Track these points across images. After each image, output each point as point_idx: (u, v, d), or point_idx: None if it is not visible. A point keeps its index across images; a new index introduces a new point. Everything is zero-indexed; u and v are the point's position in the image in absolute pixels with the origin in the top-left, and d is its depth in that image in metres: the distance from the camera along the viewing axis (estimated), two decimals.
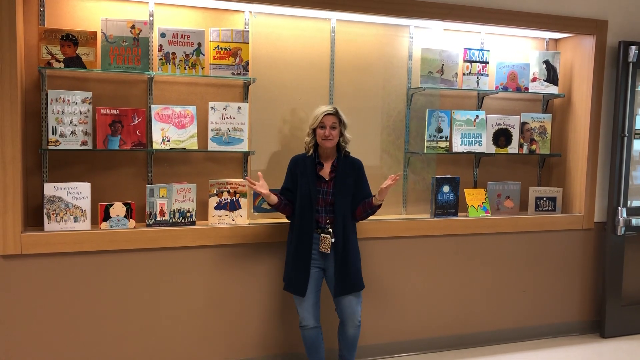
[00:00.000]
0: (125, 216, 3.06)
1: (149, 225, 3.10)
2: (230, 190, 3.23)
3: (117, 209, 3.05)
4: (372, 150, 3.57)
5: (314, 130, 2.97)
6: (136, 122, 3.08)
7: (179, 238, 3.09)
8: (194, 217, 3.18)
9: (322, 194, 2.97)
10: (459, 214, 3.77)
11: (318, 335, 3.04)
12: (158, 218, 3.12)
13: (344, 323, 3.05)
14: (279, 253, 3.29)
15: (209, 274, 3.20)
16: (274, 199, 2.97)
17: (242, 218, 3.25)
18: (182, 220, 3.16)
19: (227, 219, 3.24)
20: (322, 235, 2.94)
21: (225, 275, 3.23)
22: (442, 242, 3.67)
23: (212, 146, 3.23)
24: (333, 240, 2.93)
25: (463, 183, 3.87)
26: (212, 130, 3.22)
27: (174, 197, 3.13)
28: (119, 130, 3.05)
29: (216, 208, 3.23)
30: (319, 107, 3.00)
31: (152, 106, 3.15)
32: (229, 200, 3.23)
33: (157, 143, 3.13)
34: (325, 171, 3.01)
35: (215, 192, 3.21)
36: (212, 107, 3.22)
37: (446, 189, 3.72)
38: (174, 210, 3.14)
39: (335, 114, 2.93)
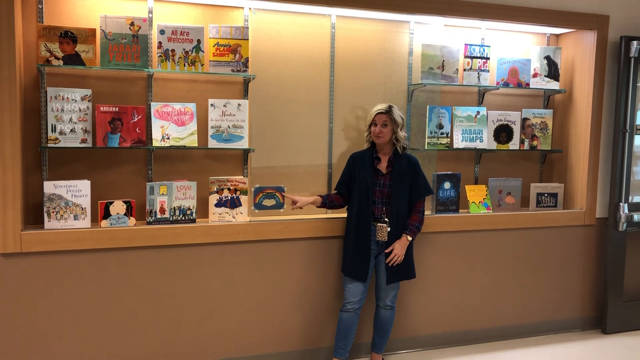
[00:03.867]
0: (125, 214, 3.04)
1: (149, 223, 3.09)
2: (231, 188, 3.22)
3: (117, 207, 3.04)
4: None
5: (370, 127, 3.16)
6: (136, 119, 3.06)
7: (180, 236, 3.07)
8: (194, 215, 3.17)
9: (379, 186, 3.14)
10: (460, 211, 3.76)
11: (355, 319, 3.16)
12: (158, 216, 3.10)
13: (377, 303, 3.26)
14: (281, 250, 3.28)
15: (210, 271, 3.18)
16: (318, 201, 3.22)
17: (243, 215, 3.24)
18: (183, 218, 3.14)
19: (227, 216, 3.22)
20: (378, 224, 3.09)
21: (227, 272, 3.22)
22: (443, 238, 3.65)
23: (212, 143, 3.21)
24: (389, 229, 3.08)
25: (464, 179, 3.85)
26: (212, 127, 3.20)
27: (174, 194, 3.12)
28: (118, 127, 3.03)
29: (217, 205, 3.21)
30: (376, 105, 3.17)
31: (152, 103, 3.12)
32: (229, 198, 3.22)
33: (157, 140, 3.10)
34: (382, 165, 3.18)
35: (215, 189, 3.20)
36: (212, 104, 3.20)
37: (447, 185, 3.70)
38: (175, 207, 3.13)
39: (387, 112, 3.09)
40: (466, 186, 3.81)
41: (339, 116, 3.61)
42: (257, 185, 3.26)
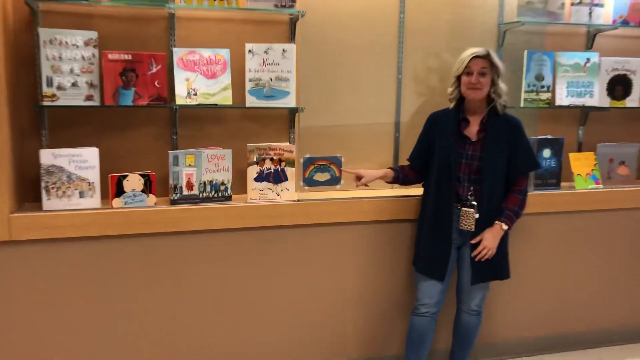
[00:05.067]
0: (143, 190, 2.54)
1: (173, 202, 2.58)
2: (275, 158, 2.67)
3: (133, 182, 2.53)
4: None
5: (458, 78, 2.51)
6: (154, 70, 2.55)
7: (212, 219, 2.54)
8: (229, 191, 2.66)
9: (465, 158, 2.50)
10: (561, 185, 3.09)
11: (431, 325, 2.62)
12: (185, 192, 2.60)
13: (458, 306, 2.72)
14: (338, 236, 2.72)
15: (249, 263, 2.64)
16: (390, 175, 2.67)
17: (289, 192, 2.69)
18: (215, 195, 2.64)
19: (270, 193, 2.68)
20: (463, 209, 2.49)
21: (270, 264, 2.68)
22: (541, 222, 2.97)
23: (251, 101, 2.70)
24: (477, 216, 2.47)
25: (565, 145, 3.13)
26: (250, 80, 2.69)
27: (204, 165, 2.61)
28: (132, 81, 2.52)
29: (257, 180, 2.67)
30: (466, 49, 2.50)
31: (174, 50, 2.60)
32: (272, 170, 2.68)
33: (181, 97, 2.60)
34: (472, 130, 2.52)
35: (255, 159, 2.67)
36: (249, 51, 2.67)
37: (547, 153, 3.02)
38: (205, 182, 2.63)
39: (486, 57, 2.45)
40: (570, 154, 3.10)
41: (410, 65, 3.00)
42: (308, 155, 2.72)
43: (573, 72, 3.05)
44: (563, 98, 3.05)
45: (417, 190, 2.75)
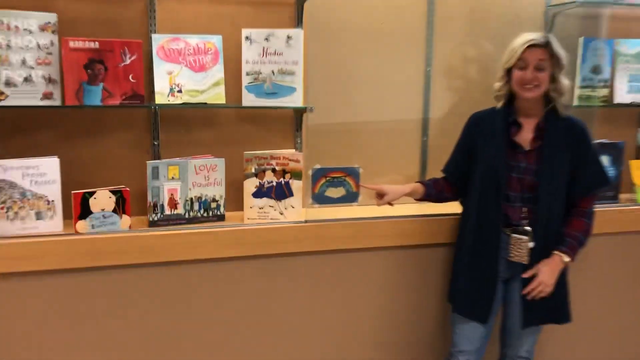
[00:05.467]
0: (114, 210, 2.22)
1: (152, 224, 2.27)
2: (277, 168, 2.37)
3: (102, 200, 2.19)
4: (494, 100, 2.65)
5: (508, 72, 2.16)
6: (128, 61, 2.28)
7: (200, 246, 2.20)
8: (222, 210, 2.38)
9: (517, 171, 2.15)
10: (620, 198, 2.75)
11: None
12: (167, 212, 2.29)
13: (503, 351, 2.37)
14: (355, 265, 2.40)
15: (247, 300, 2.32)
16: (419, 190, 2.33)
17: (295, 211, 2.38)
18: (205, 215, 2.35)
19: (272, 212, 2.37)
20: (514, 236, 2.14)
21: (272, 301, 2.35)
22: (598, 245, 2.55)
23: (249, 99, 2.45)
24: (532, 245, 2.10)
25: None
26: (247, 74, 2.44)
27: (190, 179, 2.34)
28: (100, 74, 2.21)
29: (256, 195, 2.37)
30: (520, 35, 2.14)
31: (154, 36, 2.33)
32: (274, 184, 2.37)
33: (162, 95, 2.32)
34: (525, 137, 2.16)
35: (253, 170, 2.39)
36: (247, 37, 2.43)
37: (604, 160, 2.64)
38: (192, 199, 2.34)
39: (546, 45, 2.10)
40: (631, 162, 2.74)
41: (442, 55, 2.74)
42: (318, 166, 2.47)
43: (636, 63, 2.71)
44: (624, 94, 2.70)
45: (453, 207, 2.37)
